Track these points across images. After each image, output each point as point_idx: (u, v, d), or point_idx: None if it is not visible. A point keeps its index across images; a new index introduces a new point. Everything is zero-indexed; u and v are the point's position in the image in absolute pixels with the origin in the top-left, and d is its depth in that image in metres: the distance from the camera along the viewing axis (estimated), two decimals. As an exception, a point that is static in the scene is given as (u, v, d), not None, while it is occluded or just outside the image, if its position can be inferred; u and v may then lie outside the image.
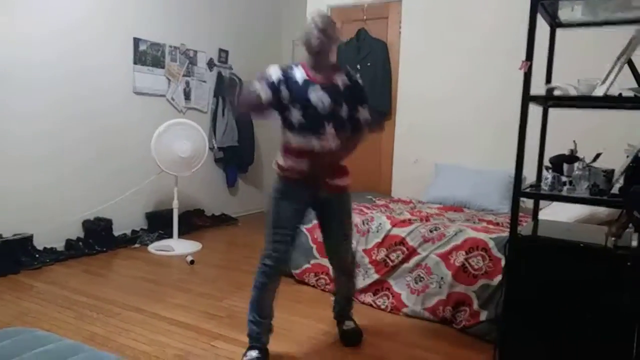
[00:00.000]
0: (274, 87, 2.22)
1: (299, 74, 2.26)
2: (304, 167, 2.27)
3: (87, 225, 4.17)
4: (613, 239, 1.71)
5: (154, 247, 4.28)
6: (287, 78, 2.24)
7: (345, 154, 2.36)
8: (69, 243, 4.02)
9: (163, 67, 4.79)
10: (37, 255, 3.69)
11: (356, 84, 2.34)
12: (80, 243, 4.06)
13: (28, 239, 3.72)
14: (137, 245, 4.36)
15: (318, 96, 2.21)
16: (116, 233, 4.37)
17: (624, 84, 1.91)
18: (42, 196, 3.88)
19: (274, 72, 2.25)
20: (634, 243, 1.67)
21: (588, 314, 1.80)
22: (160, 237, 4.50)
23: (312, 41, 2.20)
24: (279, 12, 6.21)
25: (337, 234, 2.48)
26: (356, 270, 2.89)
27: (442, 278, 2.89)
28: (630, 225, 1.73)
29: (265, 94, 2.21)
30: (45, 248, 3.85)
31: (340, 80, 2.29)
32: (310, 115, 2.21)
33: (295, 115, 2.21)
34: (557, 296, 1.89)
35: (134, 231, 4.57)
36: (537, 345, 1.95)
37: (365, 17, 4.53)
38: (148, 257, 4.10)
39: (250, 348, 2.36)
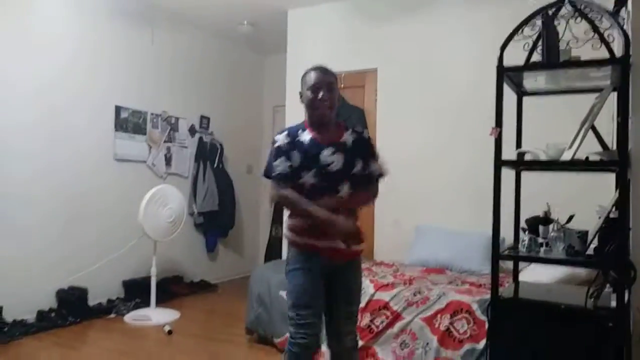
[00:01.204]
0: (286, 155, 2.09)
1: (306, 136, 2.13)
2: (319, 232, 2.07)
3: (61, 294, 4.02)
4: (592, 299, 1.73)
5: (131, 317, 4.13)
6: (294, 141, 2.12)
7: (359, 205, 2.21)
8: (41, 314, 3.86)
9: (144, 134, 4.84)
10: (4, 329, 3.52)
11: (362, 138, 2.22)
12: (53, 314, 3.90)
13: (-4, 311, 3.56)
14: (112, 315, 4.20)
15: (328, 156, 2.07)
16: (91, 303, 4.21)
17: (592, 148, 2.00)
18: (13, 265, 3.75)
19: (281, 139, 2.13)
20: (613, 303, 1.69)
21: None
22: (137, 306, 4.35)
23: (317, 104, 2.10)
24: (260, 78, 6.41)
25: (342, 309, 2.18)
26: None
27: (427, 343, 2.84)
28: (608, 285, 1.75)
29: (283, 167, 2.07)
30: (14, 320, 3.68)
31: (348, 137, 2.17)
32: (323, 177, 2.07)
33: (308, 179, 2.06)
34: (541, 356, 1.87)
35: (109, 300, 4.42)
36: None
37: (342, 86, 4.69)
38: (124, 328, 3.95)
39: None
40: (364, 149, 2.20)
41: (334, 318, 2.17)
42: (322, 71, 2.16)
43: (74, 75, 4.21)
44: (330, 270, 2.12)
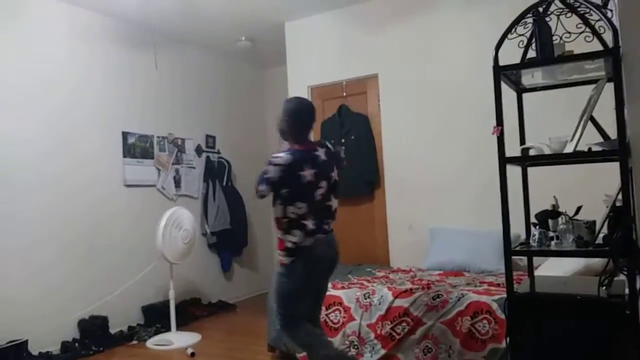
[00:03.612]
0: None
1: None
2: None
3: (83, 325, 4.07)
4: (604, 288, 1.74)
5: (152, 342, 4.16)
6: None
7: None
8: (65, 345, 3.91)
9: (152, 158, 4.91)
10: (31, 362, 3.57)
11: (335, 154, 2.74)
12: (76, 344, 3.95)
13: (23, 345, 3.61)
14: (134, 342, 4.24)
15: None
16: (113, 330, 4.26)
17: (596, 139, 2.03)
18: (35, 299, 3.81)
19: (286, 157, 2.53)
20: (627, 290, 1.70)
21: None
22: (157, 331, 4.38)
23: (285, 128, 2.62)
24: (261, 92, 6.48)
25: (321, 298, 2.71)
26: None
27: (450, 347, 2.84)
28: (621, 273, 1.76)
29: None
30: (40, 353, 3.73)
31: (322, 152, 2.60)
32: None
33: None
34: (562, 350, 1.88)
35: (130, 327, 4.46)
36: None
37: (345, 94, 4.75)
38: (147, 354, 3.98)
39: None
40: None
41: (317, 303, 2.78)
42: (287, 102, 2.75)
43: (80, 104, 4.29)
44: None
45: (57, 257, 4.01)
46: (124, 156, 4.63)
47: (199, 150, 5.48)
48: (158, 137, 4.99)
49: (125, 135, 4.65)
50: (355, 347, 3.16)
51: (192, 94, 5.44)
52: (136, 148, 4.75)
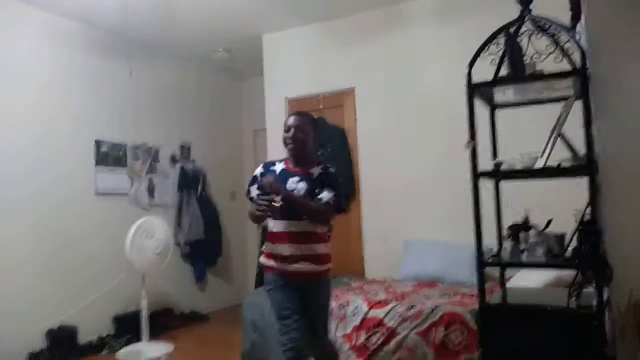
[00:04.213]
0: (257, 182, 2.52)
1: (279, 167, 2.54)
2: (286, 252, 2.41)
3: (51, 334, 3.96)
4: (574, 299, 1.80)
5: (123, 354, 4.07)
6: (267, 171, 2.54)
7: (317, 226, 2.47)
8: (32, 356, 3.79)
9: (125, 166, 4.84)
10: (-5, 376, 3.46)
11: (329, 173, 2.52)
12: (43, 356, 3.83)
13: (-15, 359, 3.50)
14: (104, 353, 4.15)
15: (294, 182, 2.44)
16: (82, 341, 4.16)
17: (567, 155, 2.10)
18: (1, 311, 3.69)
19: (258, 169, 2.58)
20: (594, 302, 1.76)
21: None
22: (129, 342, 4.29)
23: (287, 142, 2.48)
24: (238, 104, 6.48)
25: (318, 318, 2.51)
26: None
27: (424, 357, 2.87)
28: (589, 285, 1.83)
29: (253, 190, 2.53)
30: (5, 366, 3.62)
31: (316, 170, 2.51)
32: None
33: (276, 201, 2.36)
34: (531, 358, 1.93)
35: (100, 337, 4.35)
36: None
37: (322, 107, 4.79)
38: (117, 365, 3.90)
39: None
40: (326, 179, 2.50)
41: (314, 325, 2.47)
42: (297, 114, 2.56)
43: (52, 112, 4.22)
44: (302, 286, 2.44)
45: (25, 267, 3.90)
46: (97, 164, 4.55)
47: (173, 160, 5.43)
48: (132, 145, 4.92)
49: (98, 143, 4.58)
50: (330, 358, 3.16)
51: (168, 103, 5.40)
52: (109, 157, 4.68)
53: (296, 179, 2.46)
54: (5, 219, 3.83)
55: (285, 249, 2.42)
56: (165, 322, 4.88)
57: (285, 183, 2.44)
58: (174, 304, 5.21)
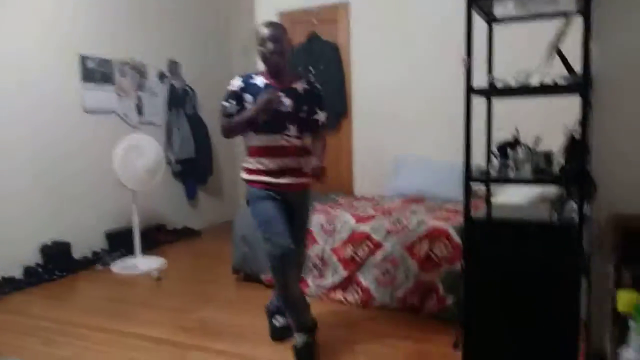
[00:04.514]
0: (237, 96, 2.42)
1: (260, 80, 2.44)
2: (272, 166, 2.43)
3: (45, 250, 4.04)
4: (556, 214, 1.85)
5: (117, 267, 4.21)
6: (248, 84, 2.43)
7: (318, 155, 2.52)
8: (28, 270, 3.89)
9: (113, 84, 4.72)
10: (-6, 286, 3.57)
11: (314, 89, 2.53)
12: (40, 269, 3.94)
13: (-17, 270, 3.59)
14: (99, 267, 4.27)
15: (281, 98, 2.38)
16: (76, 256, 4.26)
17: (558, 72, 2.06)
18: (-5, 224, 3.75)
19: (235, 82, 2.46)
20: (576, 216, 1.82)
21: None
22: (122, 256, 4.42)
23: (268, 56, 2.37)
24: (227, 20, 6.21)
25: (299, 228, 2.56)
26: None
27: (408, 268, 3.00)
28: (572, 201, 1.87)
29: (231, 106, 2.43)
30: (4, 278, 3.71)
31: (300, 85, 2.48)
32: (273, 116, 2.36)
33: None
34: (512, 273, 2.02)
35: (94, 252, 4.46)
36: (499, 321, 2.07)
37: (315, 21, 4.62)
38: (112, 278, 4.03)
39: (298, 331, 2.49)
40: (313, 98, 2.50)
41: (294, 234, 2.46)
42: (270, 25, 2.42)
43: (40, 30, 4.05)
44: (286, 197, 2.48)
45: (19, 187, 3.90)
46: (84, 81, 4.42)
47: (161, 77, 5.29)
48: (119, 62, 4.75)
49: (84, 59, 4.41)
50: (318, 269, 3.30)
51: (155, 17, 5.16)
52: (96, 73, 4.53)
53: (281, 94, 2.40)
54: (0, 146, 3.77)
55: (271, 163, 2.44)
56: (158, 237, 4.99)
57: None
58: (166, 221, 5.31)
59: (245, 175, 2.55)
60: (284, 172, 2.45)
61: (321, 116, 2.53)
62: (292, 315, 2.51)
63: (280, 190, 2.46)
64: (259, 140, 2.44)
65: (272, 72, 2.44)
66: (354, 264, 3.18)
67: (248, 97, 2.42)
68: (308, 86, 2.51)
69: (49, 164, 4.13)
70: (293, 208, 2.52)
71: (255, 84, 2.44)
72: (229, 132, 2.48)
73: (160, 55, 5.25)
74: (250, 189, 2.52)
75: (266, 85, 2.42)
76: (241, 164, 2.60)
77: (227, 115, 2.45)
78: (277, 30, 2.39)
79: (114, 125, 4.70)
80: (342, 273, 3.22)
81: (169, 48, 5.36)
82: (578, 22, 1.93)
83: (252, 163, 2.50)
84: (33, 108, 4.01)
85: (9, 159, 3.86)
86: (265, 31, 2.38)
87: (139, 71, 5.00)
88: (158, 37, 5.22)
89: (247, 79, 2.47)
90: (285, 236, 2.36)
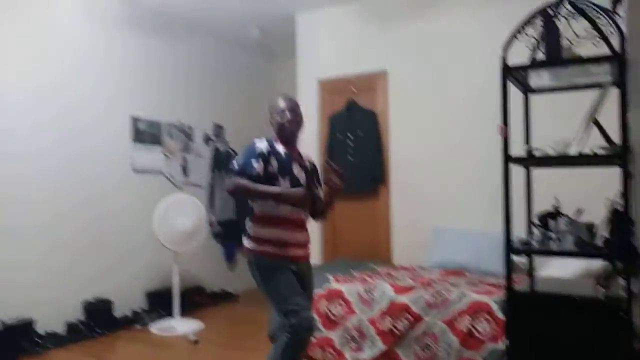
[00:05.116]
0: (264, 157, 2.42)
1: (281, 148, 2.52)
2: (287, 237, 2.45)
3: (88, 307, 4.14)
4: (602, 290, 1.77)
5: (156, 328, 4.24)
6: (273, 149, 2.48)
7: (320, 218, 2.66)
8: (70, 326, 3.98)
9: (160, 144, 4.96)
10: (39, 340, 3.65)
11: (315, 166, 2.67)
12: (82, 326, 4.02)
13: (29, 324, 3.68)
14: (138, 327, 4.31)
15: (298, 170, 2.49)
16: (117, 314, 4.33)
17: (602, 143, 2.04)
18: (42, 283, 3.86)
19: (262, 144, 2.47)
20: (623, 293, 1.72)
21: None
22: (161, 317, 4.46)
23: (287, 125, 2.50)
24: (271, 84, 6.49)
25: (309, 299, 2.59)
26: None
27: (449, 345, 2.86)
28: (618, 276, 1.78)
29: (258, 167, 2.39)
30: (47, 333, 3.81)
31: (307, 160, 2.62)
32: (295, 187, 2.43)
33: (284, 185, 2.41)
34: (557, 349, 1.91)
35: (134, 312, 4.53)
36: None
37: (354, 89, 4.76)
38: (151, 338, 4.05)
39: None
40: (315, 173, 2.65)
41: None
42: (287, 98, 2.59)
43: (95, 91, 4.34)
44: (299, 268, 2.50)
45: (64, 241, 4.06)
46: (134, 141, 4.66)
47: (207, 139, 5.53)
48: (167, 123, 5.02)
49: (134, 120, 4.69)
50: (356, 341, 3.20)
51: (203, 81, 5.47)
52: (145, 134, 4.79)
53: (297, 168, 2.50)
54: (48, 199, 3.94)
55: (287, 234, 2.45)
56: (196, 299, 5.02)
57: (290, 168, 2.47)
58: (204, 283, 5.34)
59: (253, 245, 2.49)
60: (299, 243, 2.51)
61: (321, 192, 2.61)
62: None
63: (292, 261, 2.47)
64: (279, 210, 2.43)
65: (287, 139, 2.54)
66: (393, 338, 3.07)
67: (274, 162, 2.44)
68: (311, 165, 2.63)
69: (93, 217, 4.27)
70: (303, 278, 2.53)
71: (279, 152, 2.48)
72: (243, 193, 2.42)
73: (206, 119, 5.51)
74: (262, 260, 2.46)
75: (285, 155, 2.48)
76: (248, 232, 2.54)
77: (249, 175, 2.36)
78: (294, 102, 2.57)
79: (160, 185, 4.88)
80: (381, 347, 3.09)
81: (214, 112, 5.62)
82: (615, 93, 1.93)
83: (265, 232, 2.46)
84: (83, 157, 4.22)
85: (56, 204, 4.00)
86: (283, 103, 2.54)
87: (186, 133, 5.25)
88: (204, 102, 5.50)
89: (271, 142, 2.52)
90: (309, 308, 2.39)
